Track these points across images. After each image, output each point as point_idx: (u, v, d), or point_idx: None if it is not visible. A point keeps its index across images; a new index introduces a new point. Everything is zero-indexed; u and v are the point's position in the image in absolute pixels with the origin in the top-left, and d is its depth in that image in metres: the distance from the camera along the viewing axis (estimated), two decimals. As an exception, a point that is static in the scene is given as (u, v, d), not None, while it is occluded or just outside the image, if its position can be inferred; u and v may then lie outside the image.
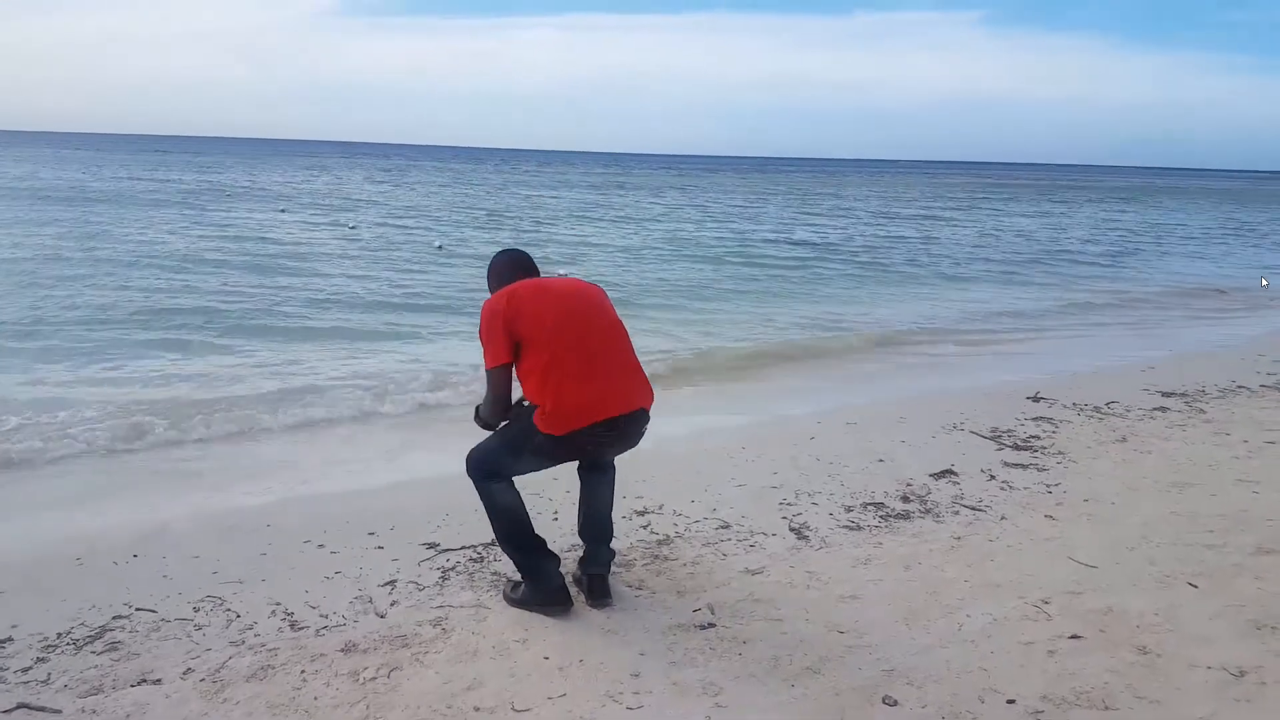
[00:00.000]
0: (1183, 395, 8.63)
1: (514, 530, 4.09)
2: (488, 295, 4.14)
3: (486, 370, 3.92)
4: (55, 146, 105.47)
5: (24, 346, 10.45)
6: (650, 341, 11.39)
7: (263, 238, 22.88)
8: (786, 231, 30.43)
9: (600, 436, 3.93)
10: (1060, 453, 6.66)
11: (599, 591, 4.18)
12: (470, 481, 4.09)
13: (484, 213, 24.28)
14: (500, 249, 4.39)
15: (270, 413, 7.95)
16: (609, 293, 4.28)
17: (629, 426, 4.00)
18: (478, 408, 4.14)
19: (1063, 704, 3.34)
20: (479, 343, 3.96)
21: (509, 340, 3.84)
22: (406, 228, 27.51)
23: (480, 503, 4.10)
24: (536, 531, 4.13)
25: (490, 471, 4.03)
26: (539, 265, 4.33)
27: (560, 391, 3.78)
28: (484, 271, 4.34)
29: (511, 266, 4.20)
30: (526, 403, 3.97)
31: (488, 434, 4.12)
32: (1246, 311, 16.37)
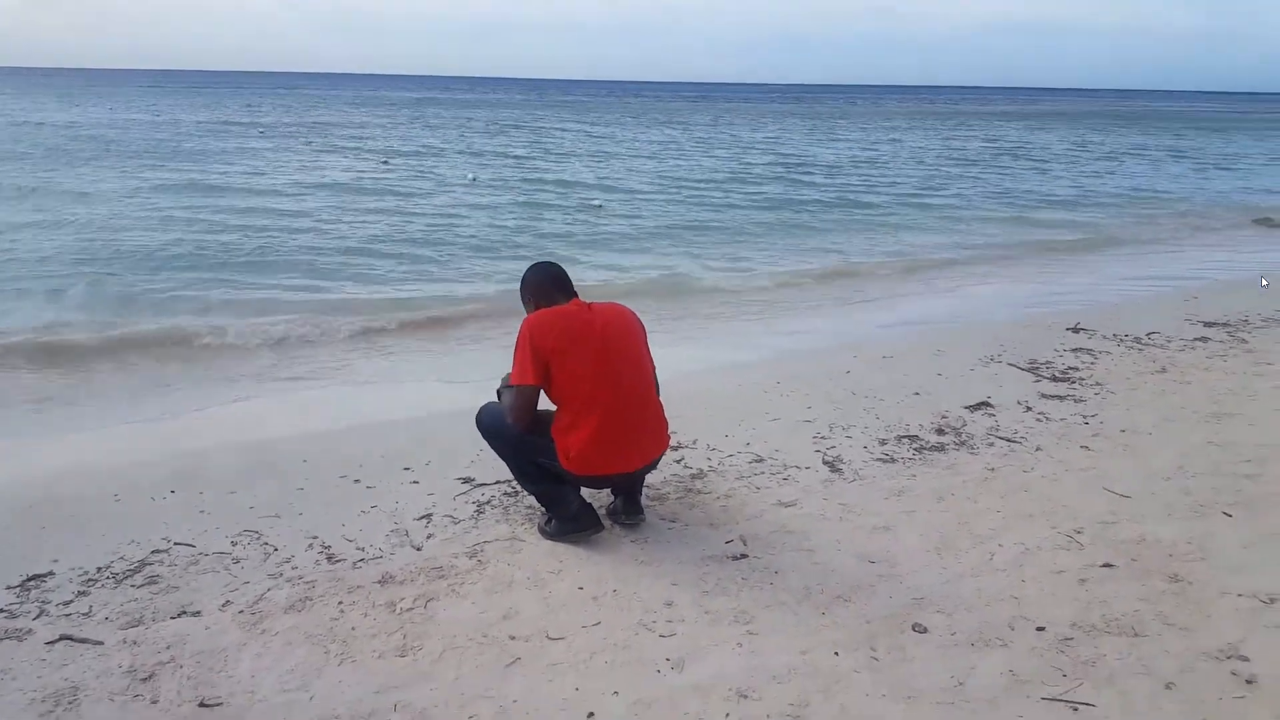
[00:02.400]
0: (1225, 325, 8.51)
1: (526, 465, 4.20)
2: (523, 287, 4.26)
3: (512, 384, 4.02)
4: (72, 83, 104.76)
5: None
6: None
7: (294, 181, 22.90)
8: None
9: (613, 480, 4.20)
10: (1098, 384, 6.59)
11: (632, 509, 4.29)
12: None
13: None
14: (532, 263, 4.36)
15: (302, 348, 8.09)
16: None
17: (642, 473, 4.28)
18: (500, 391, 4.28)
19: (1092, 631, 3.34)
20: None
21: (540, 369, 3.92)
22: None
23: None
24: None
25: (501, 437, 4.25)
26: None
27: (585, 449, 3.95)
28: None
29: (547, 284, 4.17)
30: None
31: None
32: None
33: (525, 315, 4.09)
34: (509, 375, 4.07)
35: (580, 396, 3.92)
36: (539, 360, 3.89)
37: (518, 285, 4.28)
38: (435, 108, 70.44)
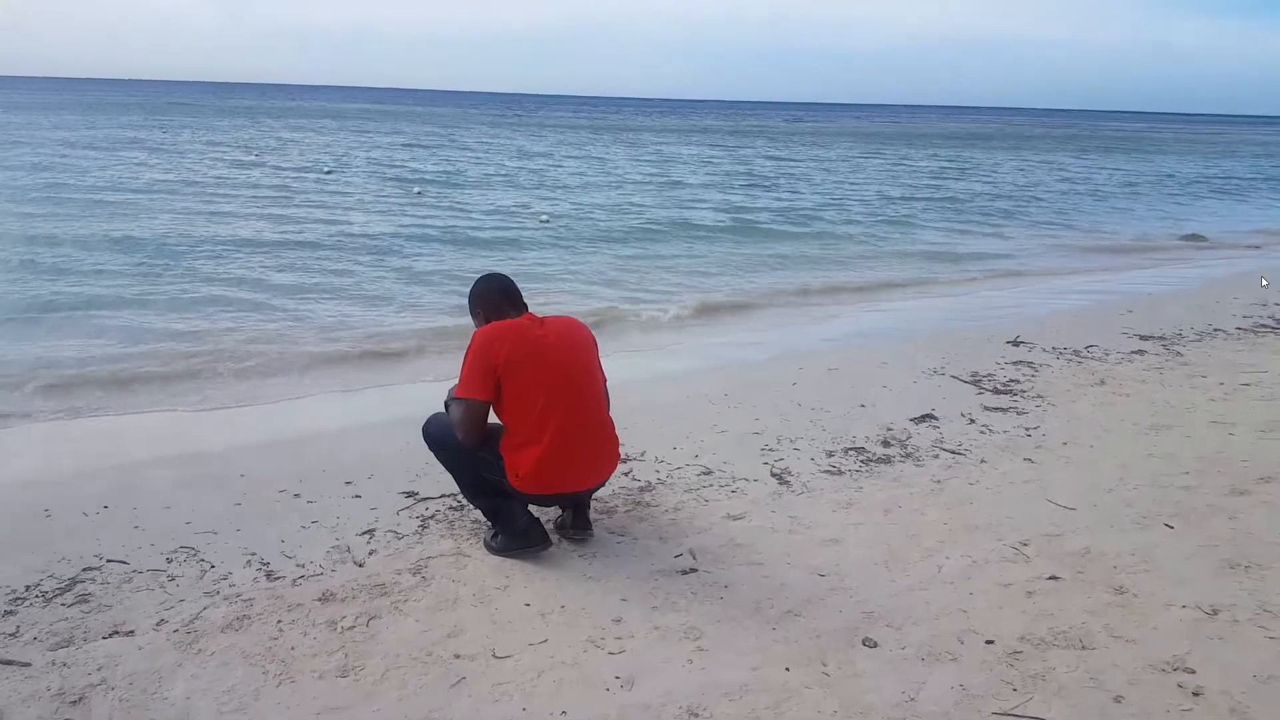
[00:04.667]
0: (1160, 338, 8.68)
1: (473, 479, 4.14)
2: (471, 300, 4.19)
3: (458, 397, 3.94)
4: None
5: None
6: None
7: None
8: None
9: (560, 500, 4.17)
10: (1039, 396, 6.67)
11: (580, 524, 4.23)
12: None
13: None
14: (480, 275, 4.30)
15: (243, 360, 7.91)
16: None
17: (591, 493, 4.26)
18: (447, 403, 4.17)
19: (1041, 644, 3.35)
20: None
21: (491, 383, 3.85)
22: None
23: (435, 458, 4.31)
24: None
25: (448, 448, 4.16)
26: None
27: (536, 468, 3.89)
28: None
29: (497, 297, 4.10)
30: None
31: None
32: (1221, 254, 16.50)
33: (475, 328, 4.02)
34: (455, 388, 3.99)
35: (532, 413, 3.85)
36: (489, 375, 3.82)
37: (464, 299, 4.22)
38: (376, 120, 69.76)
